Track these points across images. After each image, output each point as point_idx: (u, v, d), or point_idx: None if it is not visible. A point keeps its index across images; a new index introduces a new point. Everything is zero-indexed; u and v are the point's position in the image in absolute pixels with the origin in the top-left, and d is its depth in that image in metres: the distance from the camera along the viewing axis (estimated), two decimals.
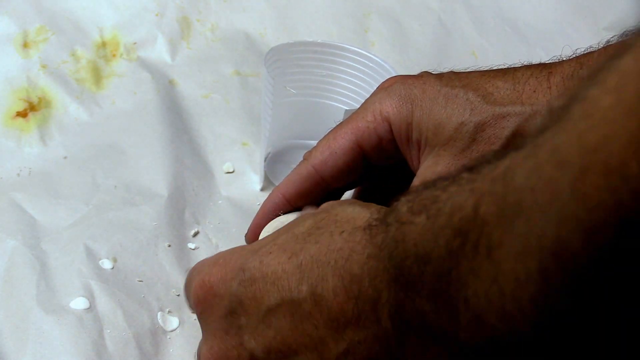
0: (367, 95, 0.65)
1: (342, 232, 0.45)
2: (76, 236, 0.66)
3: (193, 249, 0.67)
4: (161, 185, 0.71)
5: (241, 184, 0.74)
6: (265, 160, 0.73)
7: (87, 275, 0.63)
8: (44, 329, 0.59)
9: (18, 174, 0.71)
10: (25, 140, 0.73)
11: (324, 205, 0.49)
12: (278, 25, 0.86)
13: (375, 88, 0.62)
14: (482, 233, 0.35)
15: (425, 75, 0.58)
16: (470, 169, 0.38)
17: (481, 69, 0.58)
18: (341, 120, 0.62)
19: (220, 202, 0.72)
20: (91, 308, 0.60)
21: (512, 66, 0.58)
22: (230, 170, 0.75)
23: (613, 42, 0.55)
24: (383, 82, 0.59)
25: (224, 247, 0.68)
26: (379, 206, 0.46)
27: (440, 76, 0.57)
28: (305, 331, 0.45)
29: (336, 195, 0.61)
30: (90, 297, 0.61)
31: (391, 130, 0.57)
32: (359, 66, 0.72)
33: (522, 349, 0.36)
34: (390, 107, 0.57)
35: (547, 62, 0.56)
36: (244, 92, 0.81)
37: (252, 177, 0.74)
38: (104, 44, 0.81)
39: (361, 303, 0.43)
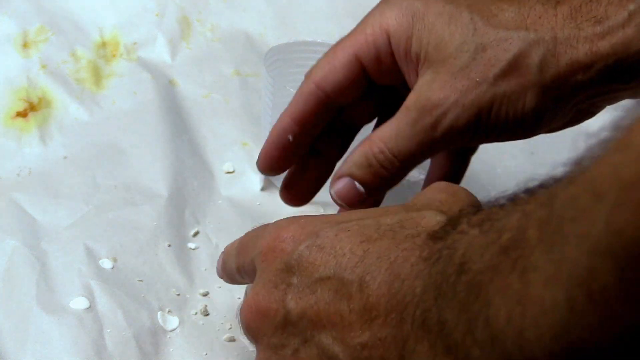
0: None
1: (416, 235, 0.45)
2: (76, 236, 0.66)
3: (193, 249, 0.67)
4: (161, 185, 0.71)
5: (241, 184, 0.74)
6: None
7: (87, 275, 0.62)
8: (44, 329, 0.59)
9: (18, 174, 0.71)
10: (25, 140, 0.73)
11: (415, 201, 0.49)
12: (278, 25, 0.87)
13: None
14: (522, 254, 0.35)
15: None
16: (528, 191, 0.38)
17: None
18: None
19: (220, 202, 0.72)
20: (91, 308, 0.60)
21: None
22: (230, 170, 0.75)
23: None
24: None
25: (224, 247, 0.68)
26: (458, 211, 0.46)
27: None
28: (340, 310, 0.45)
29: (344, 114, 0.60)
30: (90, 297, 0.61)
31: (390, 42, 0.56)
32: None
33: None
34: (390, 19, 0.56)
35: None
36: (244, 92, 0.81)
37: (252, 177, 0.74)
38: (104, 44, 0.81)
39: (394, 301, 0.43)
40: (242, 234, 0.66)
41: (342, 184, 0.57)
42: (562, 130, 0.59)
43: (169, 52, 0.82)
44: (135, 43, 0.82)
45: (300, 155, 0.61)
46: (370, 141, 0.56)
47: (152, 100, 0.78)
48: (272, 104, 0.68)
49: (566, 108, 0.55)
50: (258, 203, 0.72)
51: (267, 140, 0.61)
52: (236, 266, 0.55)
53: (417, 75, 0.56)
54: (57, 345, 0.58)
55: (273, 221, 0.54)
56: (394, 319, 0.43)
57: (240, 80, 0.82)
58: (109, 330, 0.59)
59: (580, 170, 0.33)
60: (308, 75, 0.58)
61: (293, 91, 0.59)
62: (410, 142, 0.55)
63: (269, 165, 0.61)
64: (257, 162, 0.62)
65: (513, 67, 0.53)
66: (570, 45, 0.53)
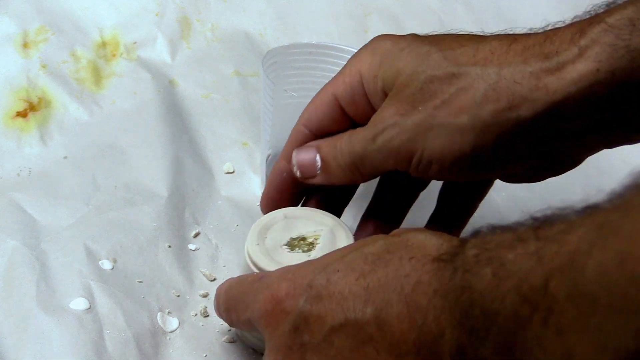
0: None
1: (412, 258, 0.46)
2: (76, 236, 0.66)
3: (193, 250, 0.67)
4: (161, 185, 0.71)
5: (241, 184, 0.74)
6: (265, 162, 0.73)
7: (87, 276, 0.63)
8: (44, 329, 0.59)
9: (18, 174, 0.71)
10: (25, 140, 0.73)
11: (395, 231, 0.50)
12: (278, 25, 0.87)
13: None
14: (553, 310, 0.36)
15: (410, 35, 0.59)
16: (536, 229, 0.39)
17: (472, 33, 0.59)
18: None
19: (220, 202, 0.72)
20: (91, 308, 0.60)
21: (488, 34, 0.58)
22: (230, 171, 0.75)
23: (579, 17, 0.55)
24: (371, 40, 0.61)
25: (224, 248, 0.68)
26: (449, 236, 0.47)
27: (421, 36, 0.58)
28: (367, 354, 0.45)
29: None
30: (90, 298, 0.61)
31: (362, 83, 0.59)
32: None
33: None
34: (363, 62, 0.59)
35: (516, 33, 0.56)
36: (244, 92, 0.81)
37: (252, 178, 0.74)
38: (104, 44, 0.82)
39: (423, 335, 0.43)
40: (241, 234, 0.66)
41: (307, 154, 0.60)
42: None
43: (169, 52, 0.83)
44: (135, 43, 0.82)
45: (297, 194, 0.64)
46: (341, 134, 0.60)
47: (152, 100, 0.78)
48: (272, 107, 0.68)
49: (517, 149, 0.55)
50: (258, 203, 0.72)
51: (267, 182, 0.64)
52: (228, 321, 0.56)
53: None
54: (57, 346, 0.58)
55: (256, 272, 0.55)
56: (429, 351, 0.43)
57: (240, 80, 0.82)
58: (108, 331, 0.59)
59: (600, 232, 0.34)
60: (299, 119, 0.62)
61: (294, 94, 0.60)
62: (357, 144, 0.58)
63: (270, 205, 0.63)
64: (260, 204, 0.65)
65: (453, 100, 0.54)
66: (514, 81, 0.53)
